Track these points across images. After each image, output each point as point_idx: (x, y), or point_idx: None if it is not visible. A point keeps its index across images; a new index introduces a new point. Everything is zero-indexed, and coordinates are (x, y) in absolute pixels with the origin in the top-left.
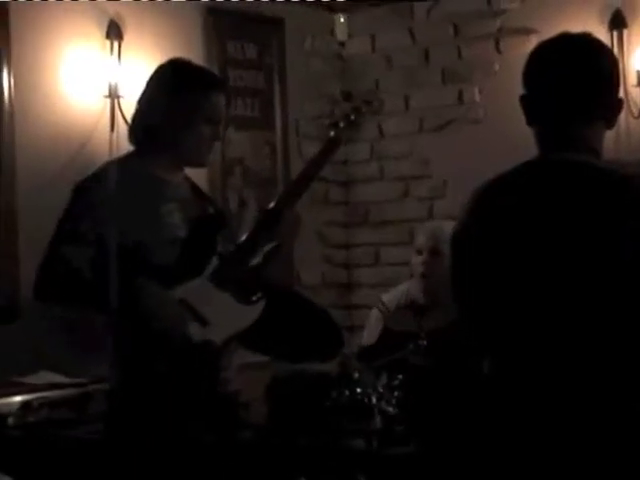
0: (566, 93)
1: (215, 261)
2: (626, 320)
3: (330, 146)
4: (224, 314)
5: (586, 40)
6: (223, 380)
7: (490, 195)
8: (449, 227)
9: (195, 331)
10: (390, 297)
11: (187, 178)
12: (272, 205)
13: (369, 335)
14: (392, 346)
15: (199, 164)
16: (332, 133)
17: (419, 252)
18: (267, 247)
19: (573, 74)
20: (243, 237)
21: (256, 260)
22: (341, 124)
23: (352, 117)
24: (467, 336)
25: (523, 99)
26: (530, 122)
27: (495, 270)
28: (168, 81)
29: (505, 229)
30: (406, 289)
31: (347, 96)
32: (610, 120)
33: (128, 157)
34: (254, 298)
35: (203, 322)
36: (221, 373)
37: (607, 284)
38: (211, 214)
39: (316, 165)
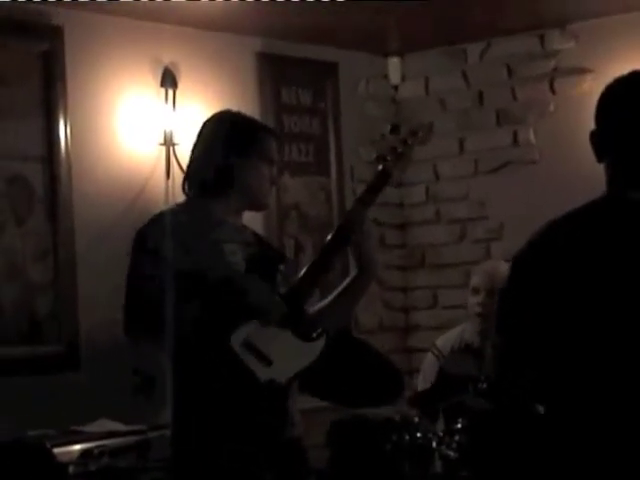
0: (638, 130)
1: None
2: None
3: (379, 180)
4: (287, 353)
5: None
6: (289, 422)
7: (558, 233)
8: (505, 267)
9: (260, 371)
10: (444, 341)
11: (245, 226)
12: (326, 243)
13: (424, 380)
14: (449, 390)
15: (263, 206)
16: (380, 167)
17: (475, 291)
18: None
19: None
20: (300, 274)
21: (316, 297)
22: (388, 157)
23: (399, 149)
24: (512, 373)
25: (593, 136)
26: (600, 159)
27: (553, 308)
28: (227, 127)
29: (571, 268)
30: (460, 332)
31: (394, 128)
32: None
33: (189, 201)
34: (314, 335)
35: (267, 362)
36: (287, 415)
37: None
38: (269, 254)
39: (366, 202)
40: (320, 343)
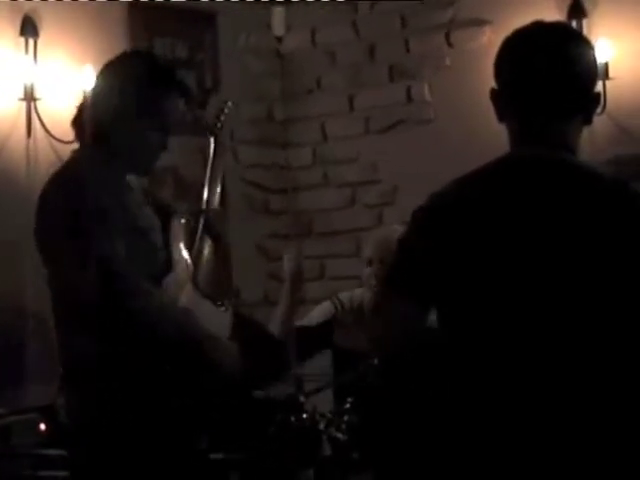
0: (542, 86)
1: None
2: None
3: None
4: (212, 322)
5: (563, 29)
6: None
7: (462, 191)
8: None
9: None
10: (346, 296)
11: None
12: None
13: (309, 321)
14: (340, 365)
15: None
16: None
17: (369, 263)
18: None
19: (550, 65)
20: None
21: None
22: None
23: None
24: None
25: (494, 93)
26: (502, 118)
27: (452, 265)
28: (149, 75)
29: (474, 226)
30: (361, 294)
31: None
32: (587, 115)
33: (101, 157)
34: (219, 302)
35: None
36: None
37: (589, 286)
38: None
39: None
40: (229, 312)
